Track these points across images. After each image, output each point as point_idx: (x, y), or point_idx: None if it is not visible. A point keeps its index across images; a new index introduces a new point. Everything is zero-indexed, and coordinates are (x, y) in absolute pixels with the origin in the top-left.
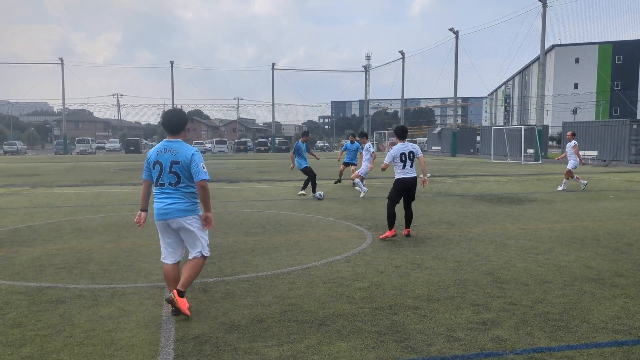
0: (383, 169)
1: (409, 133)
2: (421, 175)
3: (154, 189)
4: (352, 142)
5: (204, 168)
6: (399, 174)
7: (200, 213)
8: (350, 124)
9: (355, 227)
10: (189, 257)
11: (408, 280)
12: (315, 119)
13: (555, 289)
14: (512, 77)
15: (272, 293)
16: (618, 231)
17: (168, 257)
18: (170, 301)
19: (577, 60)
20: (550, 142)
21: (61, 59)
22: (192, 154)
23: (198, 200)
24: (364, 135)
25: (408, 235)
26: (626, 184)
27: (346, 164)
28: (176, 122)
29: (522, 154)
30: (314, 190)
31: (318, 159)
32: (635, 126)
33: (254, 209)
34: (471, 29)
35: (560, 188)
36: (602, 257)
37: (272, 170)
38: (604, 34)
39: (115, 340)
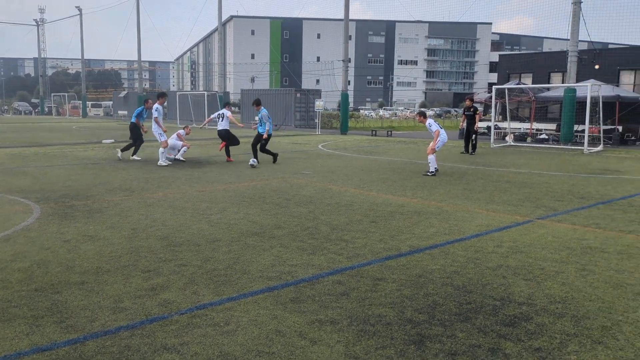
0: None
1: (91, 96)
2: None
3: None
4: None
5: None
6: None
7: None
8: (25, 84)
9: (21, 201)
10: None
11: (77, 255)
12: None
13: (223, 246)
14: (197, 44)
15: None
16: (281, 188)
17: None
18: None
19: (252, 32)
20: (232, 108)
21: None
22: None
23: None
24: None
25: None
26: (291, 146)
27: None
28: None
29: (206, 119)
30: None
31: None
32: (299, 95)
33: None
34: None
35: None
36: (265, 212)
37: None
38: (275, 9)
39: None
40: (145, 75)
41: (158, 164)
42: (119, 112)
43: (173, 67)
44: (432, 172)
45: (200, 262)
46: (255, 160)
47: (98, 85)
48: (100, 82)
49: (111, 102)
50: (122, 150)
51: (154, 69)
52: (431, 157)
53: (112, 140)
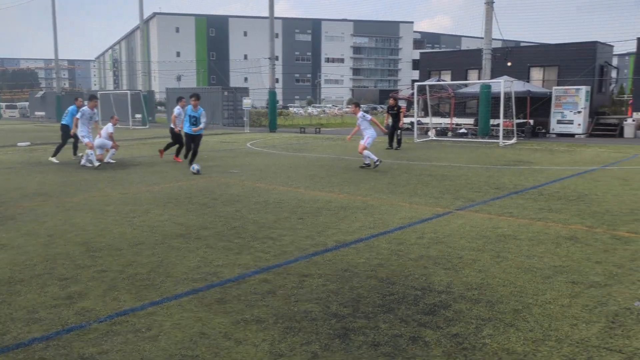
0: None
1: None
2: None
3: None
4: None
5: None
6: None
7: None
8: None
9: None
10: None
11: None
12: None
13: (147, 250)
14: (119, 41)
15: None
16: (208, 187)
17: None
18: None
19: (177, 30)
20: (159, 107)
21: None
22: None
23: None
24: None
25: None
26: (219, 144)
27: None
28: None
29: (130, 119)
30: None
31: None
32: (226, 93)
33: None
34: None
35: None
36: (191, 213)
37: None
38: (198, 6)
39: None
40: (64, 75)
41: (81, 163)
42: (36, 113)
43: (94, 66)
44: (377, 160)
45: (121, 267)
46: (197, 165)
47: (13, 86)
48: (15, 82)
49: (27, 103)
50: (75, 154)
51: (73, 67)
52: (367, 152)
53: (28, 143)
